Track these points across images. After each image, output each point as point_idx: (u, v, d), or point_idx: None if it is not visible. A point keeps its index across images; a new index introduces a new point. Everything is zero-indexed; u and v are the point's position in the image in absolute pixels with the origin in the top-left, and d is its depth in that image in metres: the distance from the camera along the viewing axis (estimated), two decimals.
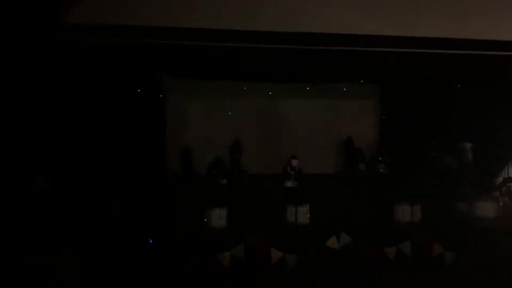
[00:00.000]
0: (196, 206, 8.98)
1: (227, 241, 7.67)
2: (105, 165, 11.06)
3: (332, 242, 7.86)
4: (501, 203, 9.83)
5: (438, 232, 8.13)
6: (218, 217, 8.22)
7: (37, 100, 9.78)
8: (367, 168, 14.56)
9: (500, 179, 11.15)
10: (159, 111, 13.24)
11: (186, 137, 13.69)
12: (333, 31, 8.17)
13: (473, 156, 10.28)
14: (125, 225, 8.13)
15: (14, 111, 8.99)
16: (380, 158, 13.29)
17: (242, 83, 13.89)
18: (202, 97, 13.97)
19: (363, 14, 7.84)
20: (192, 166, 12.72)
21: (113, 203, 8.86)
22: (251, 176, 12.74)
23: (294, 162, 9.42)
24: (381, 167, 12.26)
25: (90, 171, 10.75)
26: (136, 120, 12.10)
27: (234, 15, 8.07)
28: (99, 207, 8.79)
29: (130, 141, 11.80)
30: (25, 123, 9.42)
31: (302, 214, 8.53)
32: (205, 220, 8.31)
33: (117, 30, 8.00)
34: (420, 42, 8.25)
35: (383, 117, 14.92)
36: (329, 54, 9.18)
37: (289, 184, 9.45)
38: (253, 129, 14.29)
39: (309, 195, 9.12)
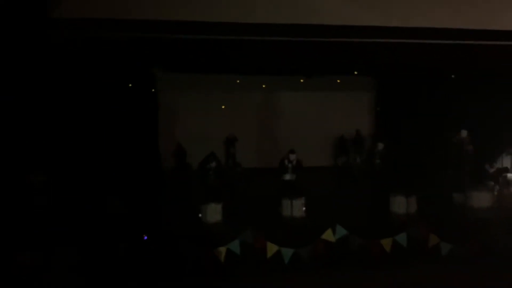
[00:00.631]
0: (191, 201, 8.92)
1: (222, 236, 7.63)
2: (98, 161, 10.98)
3: (328, 235, 7.85)
4: (496, 193, 9.85)
5: (434, 223, 8.15)
6: (214, 212, 8.16)
7: (28, 96, 9.66)
8: (362, 161, 14.61)
9: (494, 168, 11.18)
10: (152, 106, 13.16)
11: (180, 132, 13.61)
12: (328, 23, 8.09)
13: (469, 146, 10.27)
14: (120, 221, 8.06)
15: (6, 108, 8.88)
16: (376, 150, 13.30)
17: (236, 76, 13.80)
18: (195, 91, 13.88)
19: (358, 5, 7.76)
20: (185, 160, 12.66)
21: (108, 199, 8.80)
22: (246, 170, 12.69)
23: (292, 157, 9.33)
24: (377, 159, 12.23)
25: (84, 167, 10.67)
26: (129, 115, 12.01)
27: (227, 8, 7.96)
28: (93, 203, 8.74)
29: (123, 137, 11.73)
30: (18, 120, 9.31)
31: (297, 207, 8.50)
32: (200, 215, 8.24)
33: (108, 24, 7.87)
34: (415, 33, 8.20)
35: (378, 109, 14.91)
36: (324, 46, 9.11)
37: (287, 177, 9.38)
38: (247, 122, 14.23)
39: (305, 188, 9.07)
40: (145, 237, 7.51)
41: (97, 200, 8.80)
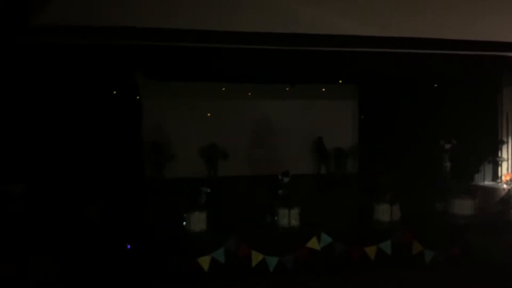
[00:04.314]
0: (174, 210, 8.83)
1: (207, 244, 7.57)
2: (80, 169, 10.84)
3: (312, 243, 7.84)
4: (477, 200, 9.94)
5: (418, 230, 8.21)
6: (198, 220, 8.07)
7: (8, 103, 9.53)
8: (345, 168, 14.73)
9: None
10: (136, 114, 13.07)
11: (164, 140, 13.52)
12: (311, 32, 8.16)
13: (451, 154, 10.42)
14: (102, 231, 7.92)
15: None
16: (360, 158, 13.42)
17: (221, 84, 13.81)
18: (179, 99, 13.83)
19: (342, 15, 7.85)
20: (164, 168, 12.65)
21: (89, 208, 8.65)
22: (229, 178, 12.68)
23: (286, 179, 9.26)
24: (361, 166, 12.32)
25: (65, 175, 10.52)
26: (113, 123, 11.91)
27: (211, 16, 7.97)
28: (74, 212, 8.58)
29: (106, 145, 11.61)
30: None
31: (290, 216, 8.40)
32: (184, 223, 8.15)
33: (90, 31, 7.81)
34: (397, 42, 8.32)
35: (362, 117, 15.06)
36: (309, 55, 9.19)
37: (281, 192, 9.31)
38: (232, 131, 14.21)
39: (291, 196, 9.05)
40: (128, 246, 7.40)
41: (78, 208, 8.65)
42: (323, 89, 14.36)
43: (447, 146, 10.37)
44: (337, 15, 7.79)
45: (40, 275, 6.88)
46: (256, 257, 7.64)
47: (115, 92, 12.34)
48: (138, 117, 13.20)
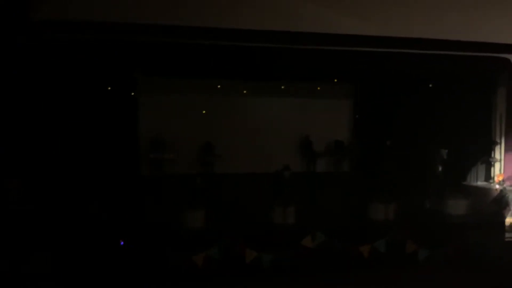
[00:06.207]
0: (171, 206, 8.82)
1: (203, 242, 7.56)
2: (76, 165, 10.80)
3: (307, 241, 7.86)
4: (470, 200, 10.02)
5: (412, 229, 8.26)
6: (193, 218, 8.06)
7: (6, 99, 9.47)
8: (339, 167, 14.77)
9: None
10: (132, 110, 13.02)
11: (159, 136, 13.47)
12: (309, 31, 8.17)
13: (445, 155, 10.48)
14: (98, 227, 7.89)
15: None
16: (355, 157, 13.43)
17: (217, 81, 13.79)
18: (175, 96, 13.79)
19: (339, 13, 7.85)
20: (164, 164, 12.60)
21: (86, 204, 8.62)
22: (225, 176, 12.66)
23: (287, 174, 9.26)
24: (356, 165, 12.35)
25: (62, 171, 10.47)
26: (108, 119, 11.87)
27: (209, 13, 7.95)
28: (71, 208, 8.55)
29: (103, 140, 11.57)
30: None
31: (284, 214, 8.41)
32: (181, 221, 8.14)
33: (88, 27, 7.77)
34: (393, 42, 8.36)
35: (356, 116, 15.09)
36: (305, 53, 9.21)
37: (282, 189, 9.33)
38: (228, 128, 14.18)
39: (288, 194, 9.08)
40: (122, 243, 7.38)
41: (75, 205, 8.62)
42: (319, 88, 14.39)
43: (441, 148, 10.42)
44: (335, 14, 7.79)
45: (37, 270, 6.86)
46: (251, 255, 7.64)
47: (114, 89, 12.30)
48: (135, 113, 13.16)
